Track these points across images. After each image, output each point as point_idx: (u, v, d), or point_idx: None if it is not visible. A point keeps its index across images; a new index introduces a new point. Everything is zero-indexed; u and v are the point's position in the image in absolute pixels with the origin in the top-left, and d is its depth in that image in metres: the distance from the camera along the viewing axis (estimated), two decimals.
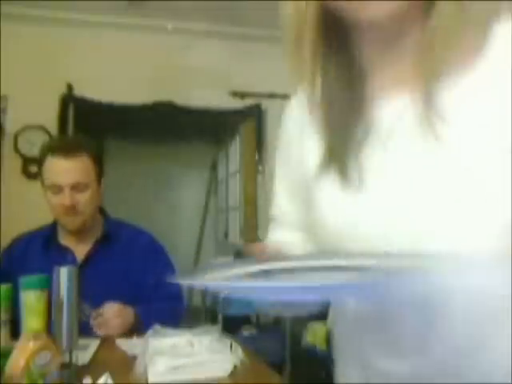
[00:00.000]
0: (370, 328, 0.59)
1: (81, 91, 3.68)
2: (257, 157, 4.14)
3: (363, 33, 0.56)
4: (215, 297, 3.30)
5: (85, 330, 1.36)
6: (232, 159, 5.06)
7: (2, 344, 1.08)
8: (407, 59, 0.55)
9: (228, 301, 3.04)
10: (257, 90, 3.99)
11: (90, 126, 3.60)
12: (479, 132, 0.49)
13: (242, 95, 4.01)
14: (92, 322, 1.44)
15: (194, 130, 5.08)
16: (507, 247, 0.47)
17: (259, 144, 4.11)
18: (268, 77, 3.69)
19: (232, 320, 3.15)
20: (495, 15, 0.51)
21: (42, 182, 1.58)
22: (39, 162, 1.59)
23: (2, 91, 3.45)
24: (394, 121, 0.54)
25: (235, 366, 1.14)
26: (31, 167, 3.48)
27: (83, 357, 1.18)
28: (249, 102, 4.03)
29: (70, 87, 3.71)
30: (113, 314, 1.45)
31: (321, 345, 2.92)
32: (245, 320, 3.52)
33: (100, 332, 1.43)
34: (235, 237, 4.83)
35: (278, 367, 2.72)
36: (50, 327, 1.10)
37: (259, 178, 4.12)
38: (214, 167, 5.91)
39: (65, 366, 1.00)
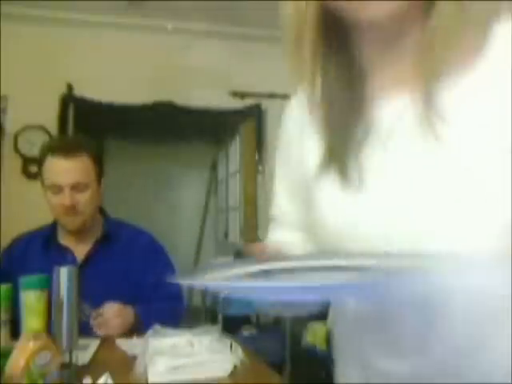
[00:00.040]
0: (370, 328, 0.59)
1: (81, 91, 3.68)
2: (257, 157, 4.14)
3: (363, 33, 0.56)
4: (215, 297, 3.30)
5: (85, 330, 1.36)
6: (232, 159, 5.06)
7: (2, 344, 1.08)
8: (407, 59, 0.55)
9: (228, 301, 3.04)
10: (257, 89, 3.99)
11: (90, 125, 3.60)
12: (479, 132, 0.49)
13: (242, 95, 4.01)
14: (92, 322, 1.44)
15: (194, 130, 5.08)
16: (507, 247, 0.47)
17: (259, 144, 4.11)
18: (268, 77, 3.69)
19: (232, 320, 3.15)
20: (495, 15, 0.51)
21: (42, 182, 1.58)
22: (39, 161, 1.59)
23: (2, 91, 3.45)
24: (393, 121, 0.54)
25: (235, 366, 1.14)
26: (31, 167, 3.48)
27: (83, 357, 1.18)
28: (249, 102, 4.03)
29: (70, 87, 3.71)
30: (113, 314, 1.45)
31: (321, 345, 2.92)
32: (245, 320, 3.52)
33: (100, 332, 1.43)
34: (235, 237, 4.83)
35: (278, 367, 2.72)
36: (49, 327, 1.10)
37: (259, 177, 4.12)
38: (214, 167, 5.91)
39: (65, 366, 1.00)
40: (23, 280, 1.07)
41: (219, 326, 2.64)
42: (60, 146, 1.59)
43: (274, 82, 3.65)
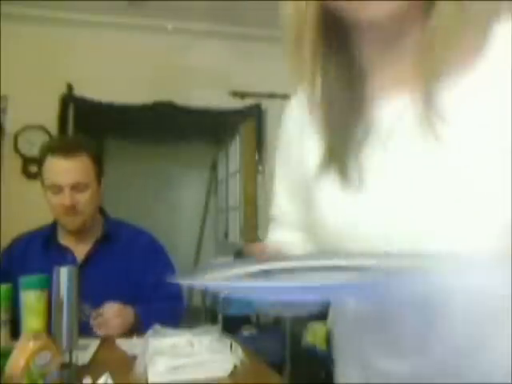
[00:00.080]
0: (370, 328, 0.59)
1: (81, 91, 3.68)
2: (257, 157, 4.14)
3: (363, 33, 0.56)
4: (215, 297, 3.30)
5: (85, 330, 1.36)
6: (232, 159, 5.06)
7: (2, 344, 1.08)
8: (407, 59, 0.55)
9: (228, 301, 3.04)
10: (257, 89, 3.99)
11: (90, 125, 3.60)
12: (479, 132, 0.49)
13: (242, 95, 4.01)
14: (92, 322, 1.44)
15: (193, 130, 5.09)
16: (507, 247, 0.47)
17: (259, 144, 4.11)
18: (268, 77, 3.69)
19: (232, 320, 3.15)
20: (495, 15, 0.51)
21: (42, 182, 1.58)
22: (39, 161, 1.59)
23: (2, 91, 3.45)
24: (394, 121, 0.54)
25: (235, 366, 1.14)
26: (31, 167, 3.48)
27: (83, 357, 1.18)
28: (249, 102, 4.03)
29: (70, 87, 3.71)
30: (113, 314, 1.45)
31: (321, 345, 2.92)
32: (245, 320, 3.52)
33: (100, 332, 1.43)
34: (235, 237, 4.83)
35: (278, 367, 2.72)
36: (49, 327, 1.10)
37: (259, 177, 4.12)
38: (214, 167, 5.91)
39: (65, 366, 1.00)
40: (23, 280, 1.07)
41: (219, 326, 2.64)
42: (60, 145, 1.59)
43: (274, 82, 3.65)
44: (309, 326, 3.09)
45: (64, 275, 1.14)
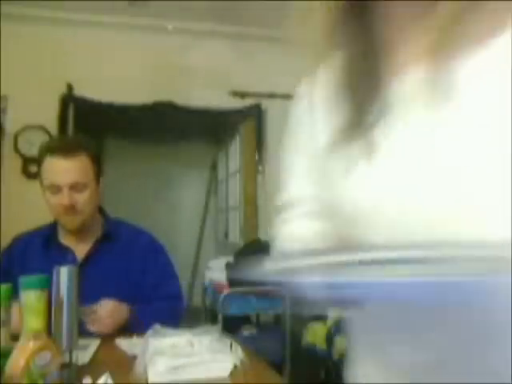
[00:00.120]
0: (394, 326, 0.55)
1: (81, 91, 3.69)
2: (257, 157, 4.14)
3: (387, 7, 0.54)
4: (215, 296, 3.29)
5: (85, 330, 1.36)
6: (232, 159, 5.06)
7: (2, 344, 1.08)
8: (428, 35, 0.53)
9: (228, 300, 3.04)
10: (257, 89, 3.99)
11: (90, 125, 3.61)
12: (496, 107, 0.48)
13: (242, 95, 4.01)
14: (85, 319, 1.42)
15: (193, 130, 5.09)
16: None
17: (259, 144, 4.11)
18: (268, 77, 3.69)
19: (232, 320, 3.15)
20: None
21: (41, 182, 1.58)
22: (38, 162, 1.59)
23: (2, 91, 3.46)
24: (411, 97, 0.53)
25: (235, 366, 1.14)
26: (31, 167, 3.48)
27: (83, 357, 1.18)
28: (249, 101, 4.03)
29: (70, 87, 3.71)
30: (106, 313, 1.45)
31: (321, 345, 2.92)
32: (245, 320, 3.52)
33: (93, 329, 1.43)
34: (235, 237, 4.83)
35: (277, 367, 2.72)
36: (50, 327, 1.10)
37: (259, 177, 4.12)
38: (214, 167, 5.91)
39: (65, 366, 1.00)
40: (23, 280, 1.07)
41: (219, 326, 2.64)
42: (58, 145, 1.59)
43: (274, 82, 3.66)
44: (309, 325, 3.09)
45: (64, 275, 1.14)
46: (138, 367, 1.12)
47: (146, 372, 1.09)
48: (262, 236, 3.77)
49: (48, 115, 3.63)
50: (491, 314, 0.44)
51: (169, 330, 1.27)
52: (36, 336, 0.90)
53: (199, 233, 5.62)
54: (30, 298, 0.94)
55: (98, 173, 1.62)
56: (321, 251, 0.48)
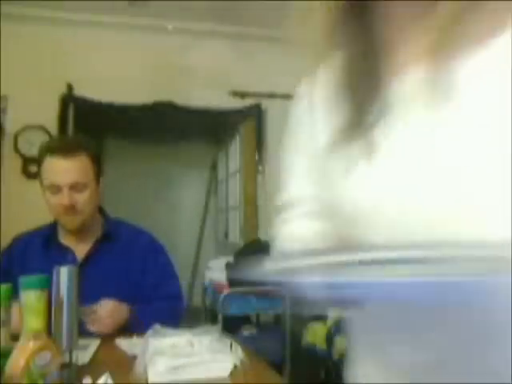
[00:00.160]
0: (394, 326, 0.55)
1: (81, 91, 3.69)
2: (257, 157, 4.14)
3: (388, 6, 0.54)
4: (215, 296, 3.29)
5: (85, 330, 1.36)
6: (232, 159, 5.06)
7: (2, 344, 1.08)
8: (428, 35, 0.53)
9: (228, 300, 3.04)
10: (257, 89, 3.99)
11: (90, 125, 3.61)
12: (496, 107, 0.47)
13: (242, 95, 4.01)
14: (85, 319, 1.43)
15: (193, 130, 5.09)
16: None
17: (259, 144, 4.11)
18: (268, 77, 3.70)
19: (232, 320, 3.15)
20: None
21: (41, 182, 1.57)
22: (38, 162, 1.59)
23: (2, 91, 3.46)
24: (411, 97, 0.53)
25: (235, 366, 1.14)
26: (31, 167, 3.48)
27: (83, 357, 1.18)
28: (249, 101, 4.03)
29: (70, 87, 3.71)
30: (106, 313, 1.45)
31: (321, 345, 2.92)
32: (245, 320, 3.52)
33: (93, 329, 1.43)
34: (235, 237, 4.83)
35: (277, 367, 2.72)
36: (50, 327, 1.10)
37: (259, 177, 4.12)
38: (214, 167, 5.91)
39: (65, 366, 1.00)
40: (23, 280, 1.07)
41: (219, 326, 2.64)
42: (58, 145, 1.59)
43: (274, 82, 3.66)
44: (309, 325, 3.09)
45: (64, 275, 1.14)
46: (138, 367, 1.12)
47: (146, 372, 1.09)
48: (262, 236, 3.77)
49: (48, 115, 3.63)
50: (491, 314, 0.44)
51: (169, 330, 1.27)
52: (36, 336, 0.90)
53: (199, 233, 5.62)
54: (30, 298, 0.93)
55: (98, 173, 1.62)
56: (321, 251, 0.48)
